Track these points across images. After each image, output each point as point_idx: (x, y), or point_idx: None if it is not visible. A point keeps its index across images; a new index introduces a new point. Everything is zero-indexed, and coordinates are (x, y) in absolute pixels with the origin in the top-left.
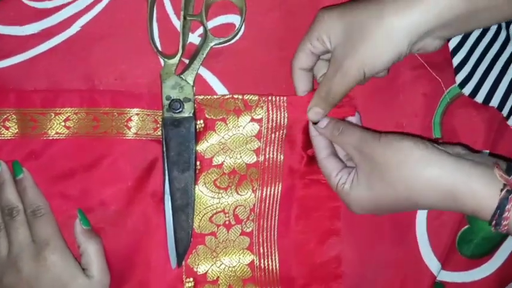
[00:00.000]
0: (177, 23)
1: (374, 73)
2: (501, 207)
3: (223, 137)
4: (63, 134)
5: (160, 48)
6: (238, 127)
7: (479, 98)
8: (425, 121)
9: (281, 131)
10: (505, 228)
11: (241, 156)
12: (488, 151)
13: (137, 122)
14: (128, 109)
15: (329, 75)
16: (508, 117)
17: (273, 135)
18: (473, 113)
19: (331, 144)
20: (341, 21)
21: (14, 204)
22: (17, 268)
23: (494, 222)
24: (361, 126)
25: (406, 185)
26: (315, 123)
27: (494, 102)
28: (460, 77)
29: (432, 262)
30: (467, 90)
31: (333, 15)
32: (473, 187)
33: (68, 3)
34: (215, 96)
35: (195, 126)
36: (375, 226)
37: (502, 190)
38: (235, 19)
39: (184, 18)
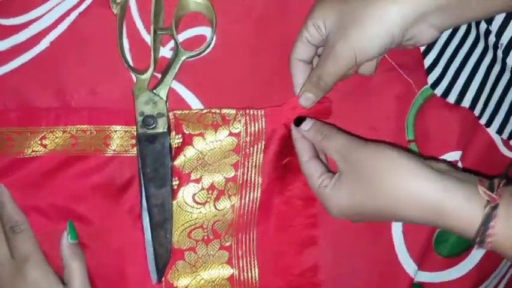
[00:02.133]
0: (147, 37)
1: (366, 58)
2: (485, 223)
3: (201, 152)
4: (40, 151)
5: (131, 64)
6: (216, 141)
7: (451, 98)
8: (398, 123)
9: (259, 144)
10: (489, 245)
11: (219, 171)
12: (460, 160)
13: (115, 139)
14: (106, 126)
15: (321, 60)
16: (480, 117)
17: (251, 149)
18: (446, 114)
19: (313, 147)
20: (335, 7)
21: None
22: None
23: (478, 240)
24: (344, 131)
25: (390, 196)
26: (297, 125)
27: (466, 102)
28: (431, 78)
29: (408, 264)
30: (439, 90)
31: (327, 2)
32: (458, 204)
33: (36, 19)
34: (193, 111)
35: (170, 142)
36: (351, 230)
37: (485, 207)
38: (206, 31)
39: (155, 32)
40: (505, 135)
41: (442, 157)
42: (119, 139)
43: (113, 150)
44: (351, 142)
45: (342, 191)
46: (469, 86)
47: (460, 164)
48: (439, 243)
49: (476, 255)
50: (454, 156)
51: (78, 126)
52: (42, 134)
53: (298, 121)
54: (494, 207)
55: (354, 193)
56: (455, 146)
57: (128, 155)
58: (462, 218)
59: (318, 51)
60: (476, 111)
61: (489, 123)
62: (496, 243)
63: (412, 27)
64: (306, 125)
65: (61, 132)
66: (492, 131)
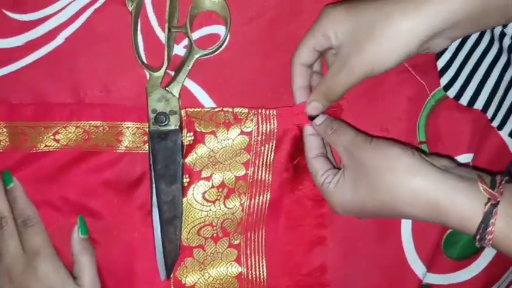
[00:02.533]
0: (162, 35)
1: (381, 72)
2: (485, 221)
3: (212, 150)
4: (53, 146)
5: (145, 61)
6: (228, 140)
7: (464, 100)
8: (409, 124)
9: (270, 143)
10: (489, 242)
11: (230, 169)
12: (471, 163)
13: (127, 136)
14: (119, 122)
15: (332, 72)
16: (492, 119)
17: (262, 148)
18: (458, 116)
19: (322, 146)
20: (348, 19)
21: (4, 214)
22: (9, 278)
23: (478, 237)
24: (353, 127)
25: (391, 192)
26: (311, 120)
27: (479, 104)
28: (444, 80)
29: (417, 266)
30: (452, 92)
31: (340, 11)
32: (458, 201)
33: (52, 15)
34: (205, 109)
35: (182, 139)
36: (360, 230)
37: (486, 204)
38: (219, 29)
39: (169, 30)
40: None
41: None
42: (132, 135)
43: (125, 147)
44: (358, 137)
45: (345, 187)
46: (482, 88)
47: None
48: (449, 246)
49: (486, 257)
50: (465, 158)
51: (91, 122)
52: (56, 129)
53: (312, 117)
54: (495, 205)
55: (357, 189)
56: (466, 149)
57: (140, 151)
58: (462, 216)
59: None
60: (489, 114)
61: (501, 126)
62: (496, 241)
63: (428, 42)
64: (319, 119)
65: (74, 128)
66: (504, 133)
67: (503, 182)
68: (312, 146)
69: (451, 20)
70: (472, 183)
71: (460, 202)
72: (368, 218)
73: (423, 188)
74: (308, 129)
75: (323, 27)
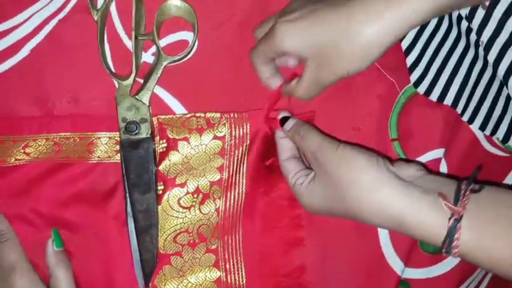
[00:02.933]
0: (129, 43)
1: (349, 76)
2: (450, 236)
3: (186, 156)
4: (23, 160)
5: (113, 70)
6: (201, 145)
7: (434, 96)
8: (381, 122)
9: (244, 146)
10: (456, 254)
11: (204, 175)
12: (443, 157)
13: (99, 146)
14: (90, 133)
15: (302, 84)
16: (462, 114)
17: (236, 151)
18: (429, 112)
19: (294, 147)
20: (309, 35)
21: None
22: None
23: (444, 250)
24: (321, 132)
25: (357, 204)
26: (283, 125)
27: (449, 99)
28: (414, 76)
29: (395, 262)
30: (422, 88)
31: (296, 28)
32: (422, 215)
33: (15, 27)
34: (177, 116)
35: (154, 147)
36: (338, 230)
37: (449, 219)
38: (187, 36)
39: (136, 37)
40: (488, 131)
41: (426, 155)
42: (103, 146)
43: (98, 157)
44: (324, 143)
45: (314, 190)
46: (452, 83)
47: (443, 161)
48: None
49: None
50: (437, 153)
51: (61, 133)
52: (25, 143)
53: (283, 121)
54: (459, 220)
55: (324, 195)
56: (438, 144)
57: (113, 161)
58: (428, 230)
59: None
60: (459, 108)
61: (472, 119)
62: (462, 253)
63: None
64: (288, 124)
65: (44, 140)
66: (475, 127)
67: (467, 193)
68: (285, 148)
69: (410, 25)
70: (436, 196)
71: (425, 216)
72: (337, 218)
73: (388, 202)
74: (280, 133)
75: (282, 47)
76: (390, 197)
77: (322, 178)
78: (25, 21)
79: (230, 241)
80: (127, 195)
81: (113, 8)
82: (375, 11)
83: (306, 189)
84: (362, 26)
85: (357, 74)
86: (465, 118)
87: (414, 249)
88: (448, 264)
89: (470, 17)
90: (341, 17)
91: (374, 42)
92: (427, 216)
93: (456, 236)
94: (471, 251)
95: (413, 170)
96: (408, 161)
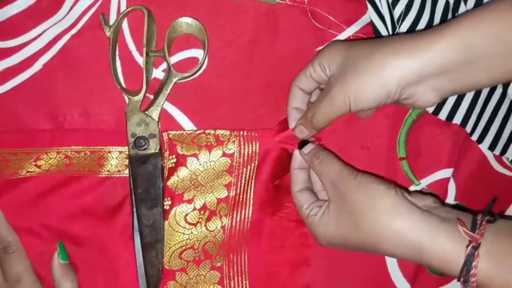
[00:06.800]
0: (140, 59)
1: (360, 107)
2: (467, 264)
3: (194, 173)
4: (34, 172)
5: (124, 85)
6: (210, 162)
7: (443, 115)
8: (389, 141)
9: (252, 165)
10: (474, 285)
11: (212, 191)
12: (452, 177)
13: (109, 160)
14: (100, 147)
15: (317, 100)
16: (471, 133)
17: (244, 169)
18: (438, 131)
19: (308, 180)
20: (341, 53)
21: None
22: None
23: (462, 280)
24: (340, 159)
25: (373, 232)
26: (300, 148)
27: (458, 118)
28: None
29: (401, 283)
30: (431, 108)
31: (338, 47)
32: (439, 243)
33: (29, 42)
34: (187, 132)
35: (163, 162)
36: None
37: (467, 246)
38: (198, 53)
39: (147, 54)
40: (497, 151)
41: (434, 174)
42: (114, 160)
43: (107, 171)
44: (343, 170)
45: (329, 220)
46: (461, 102)
47: (452, 181)
48: None
49: None
50: (445, 173)
51: (72, 147)
52: (37, 155)
53: (302, 144)
54: (477, 247)
55: (340, 223)
56: (446, 163)
57: (122, 175)
58: (445, 258)
59: (320, 86)
60: (468, 128)
61: (481, 139)
62: (481, 283)
63: (410, 87)
64: (307, 148)
65: (55, 153)
66: (484, 147)
67: (483, 223)
68: (298, 179)
69: (432, 66)
70: (453, 224)
71: (442, 244)
72: (351, 250)
73: (405, 230)
74: (295, 163)
75: (320, 58)
76: (407, 224)
77: (338, 205)
78: (39, 35)
79: (235, 259)
80: (134, 209)
81: (125, 25)
82: (401, 43)
83: (321, 219)
84: (383, 53)
85: (365, 107)
86: (474, 137)
87: (421, 270)
88: (454, 286)
89: None
90: (370, 44)
91: (389, 71)
92: (444, 243)
93: (474, 263)
94: (489, 281)
95: (429, 201)
96: (423, 193)
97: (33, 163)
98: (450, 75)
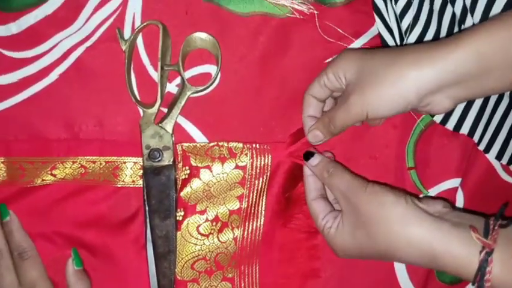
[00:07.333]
0: (154, 74)
1: (378, 116)
2: (481, 269)
3: (207, 184)
4: (49, 180)
5: (138, 98)
6: (223, 174)
7: (450, 125)
8: (398, 151)
9: (264, 177)
10: None
11: (224, 203)
12: (459, 187)
13: (124, 171)
14: (116, 158)
15: (336, 106)
16: (479, 143)
17: (256, 182)
18: (445, 141)
19: (322, 187)
20: (358, 62)
21: (0, 247)
22: None
23: (476, 285)
24: (350, 171)
25: (387, 242)
26: (306, 159)
27: (465, 128)
28: None
29: None
30: (438, 117)
31: (352, 55)
32: (453, 249)
33: (45, 53)
34: (200, 144)
35: (177, 173)
36: (353, 260)
37: (481, 252)
38: (211, 68)
39: (162, 68)
40: (505, 160)
41: (442, 184)
42: (128, 170)
43: (122, 181)
44: (354, 182)
45: (344, 232)
46: (468, 112)
47: (460, 191)
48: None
49: None
50: (453, 182)
51: (88, 157)
52: (53, 164)
53: (307, 155)
54: (490, 253)
55: (355, 235)
56: (454, 173)
57: (136, 186)
58: (458, 263)
59: (333, 94)
60: (475, 137)
61: (488, 148)
62: (494, 287)
63: (428, 96)
64: (314, 160)
65: (71, 163)
66: (491, 156)
67: (496, 228)
68: (312, 187)
69: (450, 76)
70: (466, 230)
71: (455, 250)
72: (368, 259)
73: (418, 237)
74: (308, 170)
75: (335, 67)
76: (420, 231)
77: (351, 217)
78: (54, 46)
79: (247, 271)
80: (147, 220)
81: (139, 40)
82: (420, 53)
83: (337, 231)
84: (402, 63)
85: (382, 116)
86: (481, 147)
87: (431, 278)
88: None
89: None
90: (388, 54)
91: (408, 82)
92: (457, 249)
93: (488, 269)
94: (502, 285)
95: (440, 206)
96: (433, 198)
97: (49, 172)
98: (466, 83)
